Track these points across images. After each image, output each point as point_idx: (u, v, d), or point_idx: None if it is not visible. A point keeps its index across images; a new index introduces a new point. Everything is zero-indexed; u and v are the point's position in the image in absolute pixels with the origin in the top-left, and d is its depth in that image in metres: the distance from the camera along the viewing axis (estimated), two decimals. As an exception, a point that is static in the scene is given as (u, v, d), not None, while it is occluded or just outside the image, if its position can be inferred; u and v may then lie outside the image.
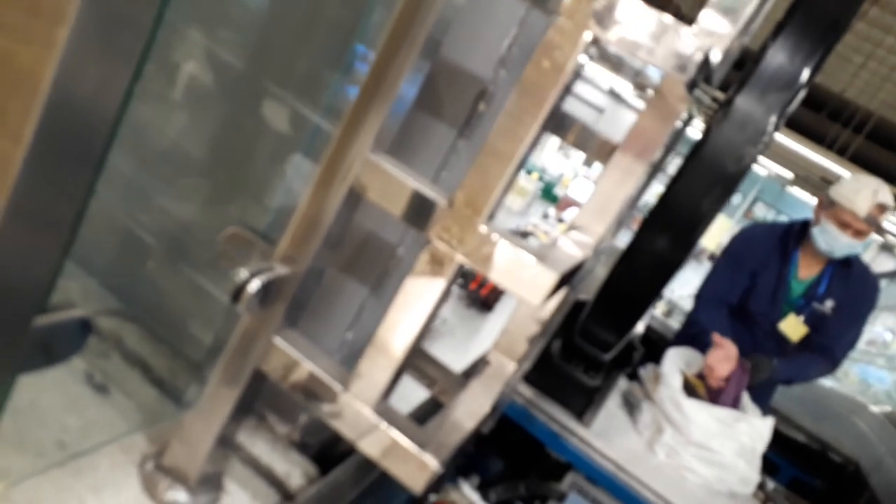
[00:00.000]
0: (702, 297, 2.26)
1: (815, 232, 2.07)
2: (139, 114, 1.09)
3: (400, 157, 0.87)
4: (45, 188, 0.49)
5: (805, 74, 1.20)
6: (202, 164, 1.19)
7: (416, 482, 0.83)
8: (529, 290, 0.76)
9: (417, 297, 0.83)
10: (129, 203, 1.15)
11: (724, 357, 1.90)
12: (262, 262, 0.87)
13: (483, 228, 0.77)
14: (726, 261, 2.23)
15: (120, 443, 0.97)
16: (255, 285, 0.81)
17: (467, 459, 1.88)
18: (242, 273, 0.82)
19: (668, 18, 0.64)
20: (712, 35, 0.69)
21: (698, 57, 0.65)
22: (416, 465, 0.83)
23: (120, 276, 1.17)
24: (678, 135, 1.20)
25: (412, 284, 0.83)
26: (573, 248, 0.91)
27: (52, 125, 0.46)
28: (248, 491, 1.02)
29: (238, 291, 0.82)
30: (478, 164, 0.77)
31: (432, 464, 0.84)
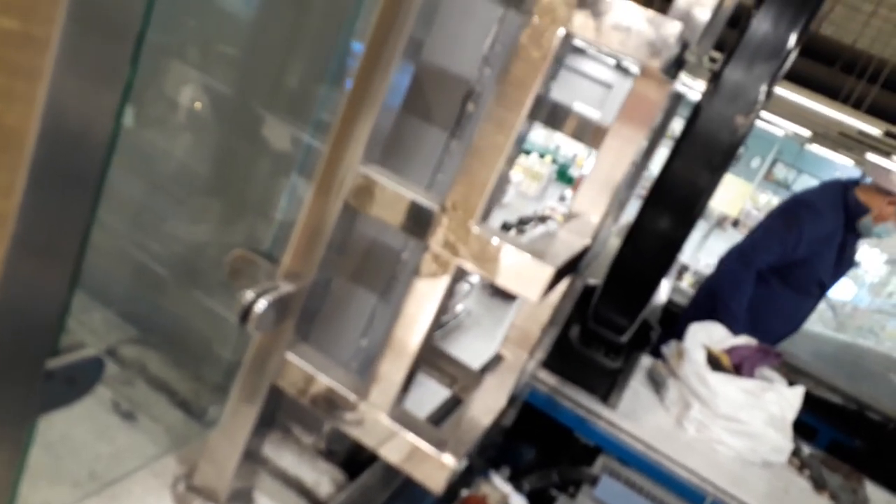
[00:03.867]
0: (747, 255, 2.25)
1: (878, 230, 2.10)
2: (136, 142, 1.12)
3: (393, 163, 0.88)
4: (45, 224, 0.51)
5: (792, 40, 1.19)
6: (203, 188, 1.21)
7: (435, 482, 0.84)
8: (527, 286, 0.76)
9: (425, 299, 0.84)
10: (136, 232, 1.18)
11: None
12: (268, 282, 0.88)
13: (476, 229, 0.78)
14: (785, 226, 2.25)
15: (150, 467, 1.00)
16: (261, 305, 0.83)
17: (498, 452, 1.90)
18: (248, 294, 0.84)
19: (634, 8, 0.65)
20: (688, 15, 0.69)
21: (671, 42, 0.65)
22: (435, 465, 0.85)
23: (135, 305, 1.20)
24: (676, 102, 1.19)
25: (418, 287, 0.84)
26: (572, 238, 0.91)
27: (45, 162, 0.48)
28: (279, 499, 1.04)
29: (246, 312, 0.84)
30: (464, 165, 0.78)
31: (450, 463, 0.85)
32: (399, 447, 0.87)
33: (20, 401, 0.55)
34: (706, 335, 1.98)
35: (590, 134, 1.14)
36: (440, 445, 0.86)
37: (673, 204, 1.30)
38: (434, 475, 0.85)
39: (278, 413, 1.16)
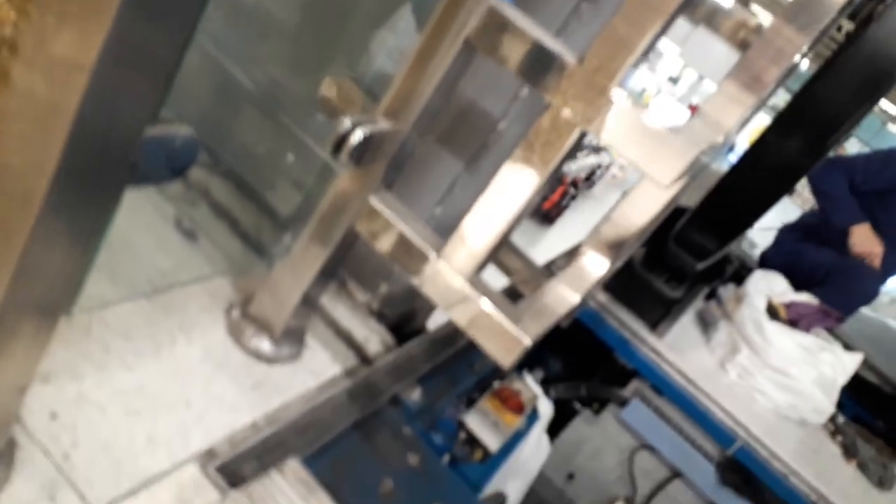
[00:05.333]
0: (835, 166, 2.10)
1: None
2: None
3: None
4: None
5: None
6: (299, 17, 1.12)
7: (506, 355, 0.80)
8: (661, 168, 0.68)
9: (526, 171, 0.77)
10: (224, 51, 1.10)
11: (866, 235, 1.86)
12: (364, 115, 0.81)
13: (616, 94, 0.69)
14: (878, 157, 2.11)
15: (207, 287, 0.98)
16: (357, 136, 0.76)
17: (531, 354, 1.88)
18: (346, 122, 0.77)
19: None
20: None
21: None
22: (508, 339, 0.80)
23: (211, 128, 1.14)
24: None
25: (520, 155, 0.76)
26: (704, 132, 0.82)
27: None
28: (329, 351, 1.02)
29: (340, 142, 0.77)
30: (611, 25, 0.68)
31: (525, 339, 0.80)
32: (471, 312, 0.82)
33: (106, 175, 0.50)
34: (768, 285, 1.89)
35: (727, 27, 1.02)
36: (515, 320, 0.81)
37: (807, 127, 1.18)
38: (505, 348, 0.81)
39: (343, 263, 1.12)
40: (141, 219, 1.03)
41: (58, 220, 0.49)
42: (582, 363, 1.87)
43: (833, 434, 1.83)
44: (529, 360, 1.82)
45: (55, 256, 0.51)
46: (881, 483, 1.76)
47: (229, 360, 0.89)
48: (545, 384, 1.77)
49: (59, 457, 0.66)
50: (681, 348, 1.76)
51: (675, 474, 1.83)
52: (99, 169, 0.50)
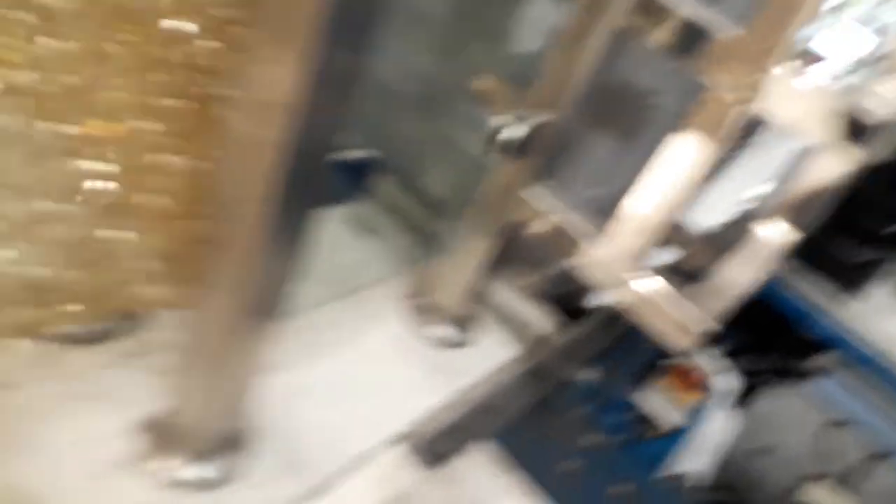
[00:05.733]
0: None
1: None
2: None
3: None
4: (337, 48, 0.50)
5: None
6: (439, 11, 1.16)
7: (681, 338, 0.80)
8: (839, 139, 0.64)
9: (686, 154, 0.75)
10: (381, 56, 1.17)
11: None
12: (518, 110, 0.84)
13: (779, 69, 0.65)
14: None
15: (389, 281, 1.07)
16: (519, 131, 0.79)
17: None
18: (498, 119, 0.80)
19: None
20: None
21: None
22: (681, 322, 0.80)
23: (376, 128, 1.23)
24: None
25: (680, 138, 0.75)
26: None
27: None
28: (503, 334, 1.07)
29: (493, 137, 0.81)
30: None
31: (699, 323, 0.80)
32: (641, 297, 0.83)
33: (311, 192, 0.58)
34: None
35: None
36: (691, 301, 0.81)
37: None
38: (679, 332, 0.81)
39: (507, 249, 1.17)
40: (329, 226, 1.14)
41: (270, 240, 0.58)
42: (771, 334, 1.76)
43: None
44: (714, 334, 1.76)
45: (270, 268, 0.60)
46: None
47: (414, 346, 0.98)
48: (732, 357, 1.70)
49: (285, 437, 0.77)
50: (881, 314, 1.60)
51: (880, 454, 1.68)
52: (300, 191, 0.58)
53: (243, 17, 0.51)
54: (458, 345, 1.01)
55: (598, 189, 1.14)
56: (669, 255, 1.24)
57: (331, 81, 0.51)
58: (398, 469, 0.77)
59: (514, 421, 0.94)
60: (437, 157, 1.23)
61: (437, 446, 0.82)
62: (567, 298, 1.23)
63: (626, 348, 1.30)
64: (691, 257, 1.18)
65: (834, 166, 0.90)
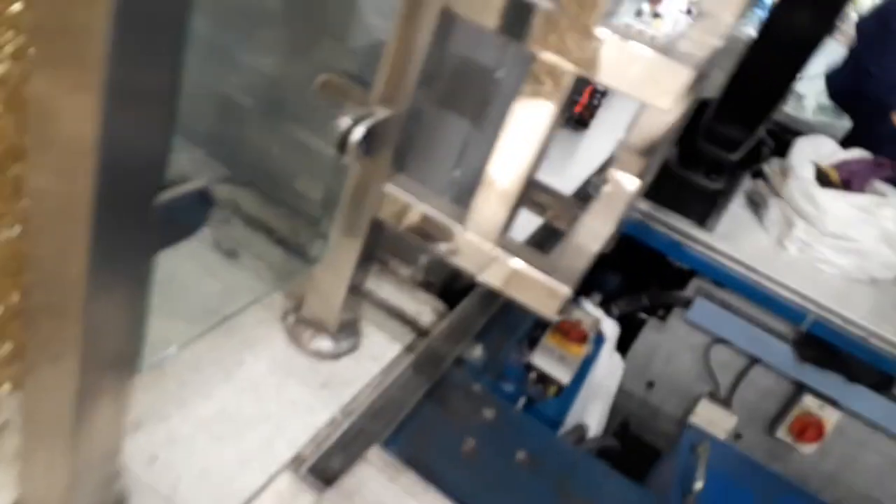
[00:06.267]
0: None
1: None
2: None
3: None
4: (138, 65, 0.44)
5: None
6: (276, 14, 1.11)
7: (549, 308, 0.82)
8: (659, 93, 0.67)
9: (528, 122, 0.76)
10: (215, 66, 1.11)
11: None
12: (362, 108, 0.82)
13: (600, 30, 0.67)
14: None
15: (260, 302, 1.02)
16: (359, 132, 0.77)
17: (586, 280, 1.89)
18: (344, 121, 0.78)
19: None
20: None
21: None
22: (546, 292, 0.82)
23: (224, 143, 1.17)
24: None
25: (521, 109, 0.76)
26: (703, 38, 0.79)
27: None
28: (385, 332, 1.06)
29: (343, 140, 0.78)
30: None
31: (562, 290, 0.82)
32: (503, 273, 0.84)
33: (137, 239, 0.53)
34: (814, 150, 1.83)
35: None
36: (549, 272, 0.83)
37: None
38: (545, 301, 0.83)
39: (378, 247, 1.15)
40: (181, 250, 1.07)
41: (103, 289, 0.52)
42: (638, 275, 1.87)
43: (908, 285, 1.79)
44: (585, 286, 1.84)
45: (113, 319, 0.55)
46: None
47: (295, 365, 0.94)
48: (606, 304, 1.78)
49: (167, 494, 0.72)
50: (734, 237, 1.73)
51: (754, 361, 1.84)
52: (126, 240, 0.53)
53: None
54: (344, 353, 0.99)
55: (458, 171, 1.15)
56: (536, 221, 1.28)
57: (138, 106, 0.46)
58: (294, 496, 0.75)
59: (408, 415, 0.93)
60: (295, 165, 1.18)
61: (331, 463, 0.80)
62: (447, 279, 1.24)
63: (510, 318, 1.33)
64: (556, 218, 1.22)
65: (663, 115, 0.96)
